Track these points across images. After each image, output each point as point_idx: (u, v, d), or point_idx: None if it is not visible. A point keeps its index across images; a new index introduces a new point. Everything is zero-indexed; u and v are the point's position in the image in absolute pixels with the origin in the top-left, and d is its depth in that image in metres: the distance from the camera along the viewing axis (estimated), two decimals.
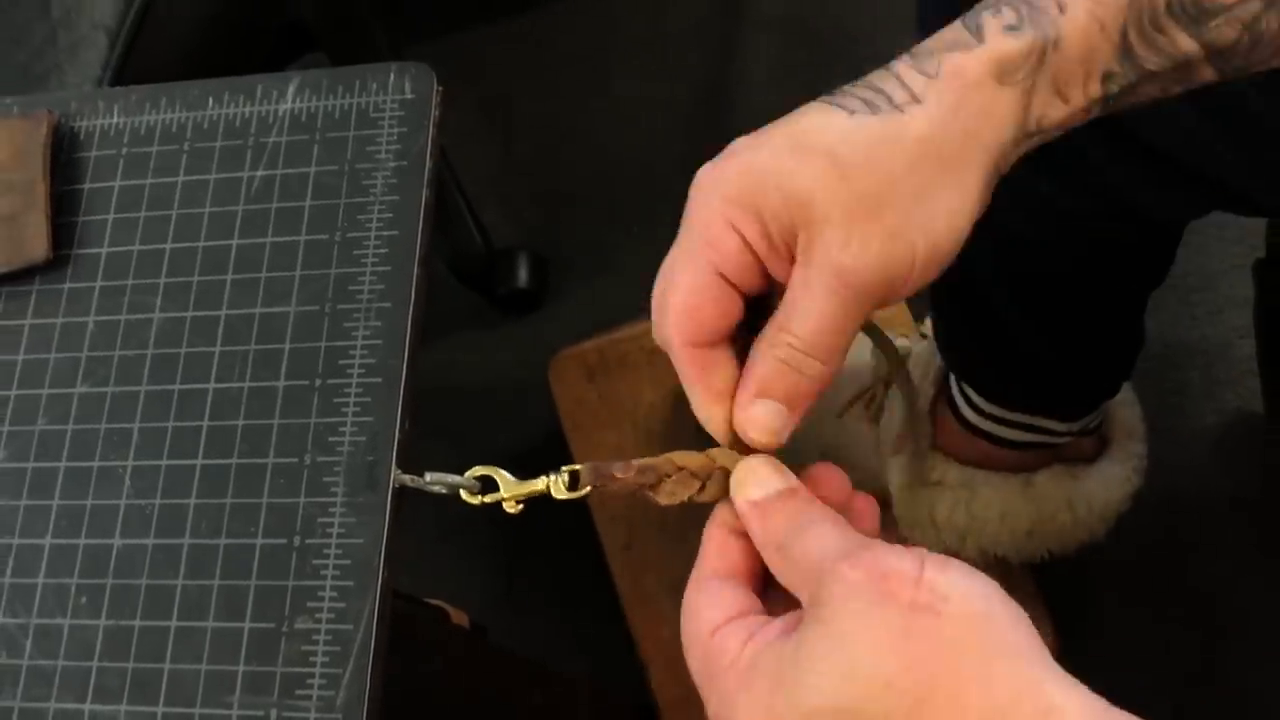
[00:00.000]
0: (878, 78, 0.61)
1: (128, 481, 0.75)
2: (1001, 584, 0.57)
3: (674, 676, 1.37)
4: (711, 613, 0.58)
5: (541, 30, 1.89)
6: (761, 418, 0.61)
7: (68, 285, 0.81)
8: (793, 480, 0.61)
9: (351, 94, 0.81)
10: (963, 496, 1.27)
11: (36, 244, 0.80)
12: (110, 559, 0.73)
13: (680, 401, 1.42)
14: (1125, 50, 0.60)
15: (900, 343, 1.33)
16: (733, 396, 0.63)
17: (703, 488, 0.64)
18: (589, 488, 0.64)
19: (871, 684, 0.50)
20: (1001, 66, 0.59)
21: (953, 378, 1.25)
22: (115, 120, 0.84)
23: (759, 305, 0.63)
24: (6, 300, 0.81)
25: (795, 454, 1.46)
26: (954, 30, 0.61)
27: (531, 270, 1.71)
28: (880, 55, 1.83)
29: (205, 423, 0.75)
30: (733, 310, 0.61)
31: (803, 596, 0.56)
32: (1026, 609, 0.54)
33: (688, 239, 0.62)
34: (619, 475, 0.64)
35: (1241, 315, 1.55)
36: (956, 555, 0.53)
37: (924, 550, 0.53)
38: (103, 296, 0.80)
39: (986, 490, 1.27)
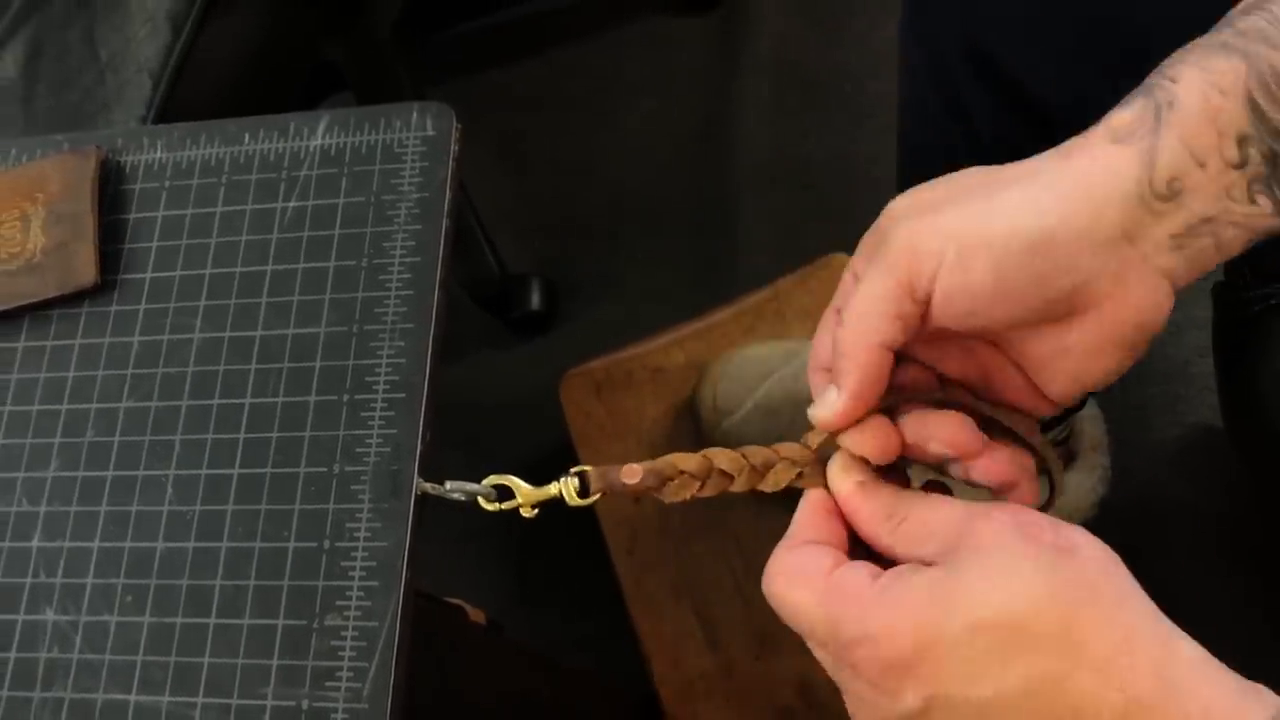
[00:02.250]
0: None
1: (170, 489, 0.75)
2: None
3: (675, 670, 1.37)
4: (820, 560, 0.58)
5: (553, 73, 1.89)
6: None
7: (114, 308, 0.81)
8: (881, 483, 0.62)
9: (377, 131, 0.81)
10: None
11: (86, 270, 0.81)
12: (154, 561, 0.73)
13: (680, 415, 1.43)
14: (1255, 111, 0.56)
15: None
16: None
17: (702, 486, 0.64)
18: (599, 493, 0.65)
19: (1030, 604, 0.51)
20: (1115, 131, 0.57)
21: None
22: (158, 155, 0.84)
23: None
24: (58, 322, 0.81)
25: None
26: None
27: (543, 294, 1.71)
28: (865, 93, 1.83)
29: (242, 435, 0.75)
30: (898, 332, 0.60)
31: (927, 552, 0.56)
32: None
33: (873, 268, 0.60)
34: (627, 482, 0.64)
35: (1201, 336, 1.55)
36: None
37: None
38: (147, 318, 0.80)
39: (963, 498, 1.27)
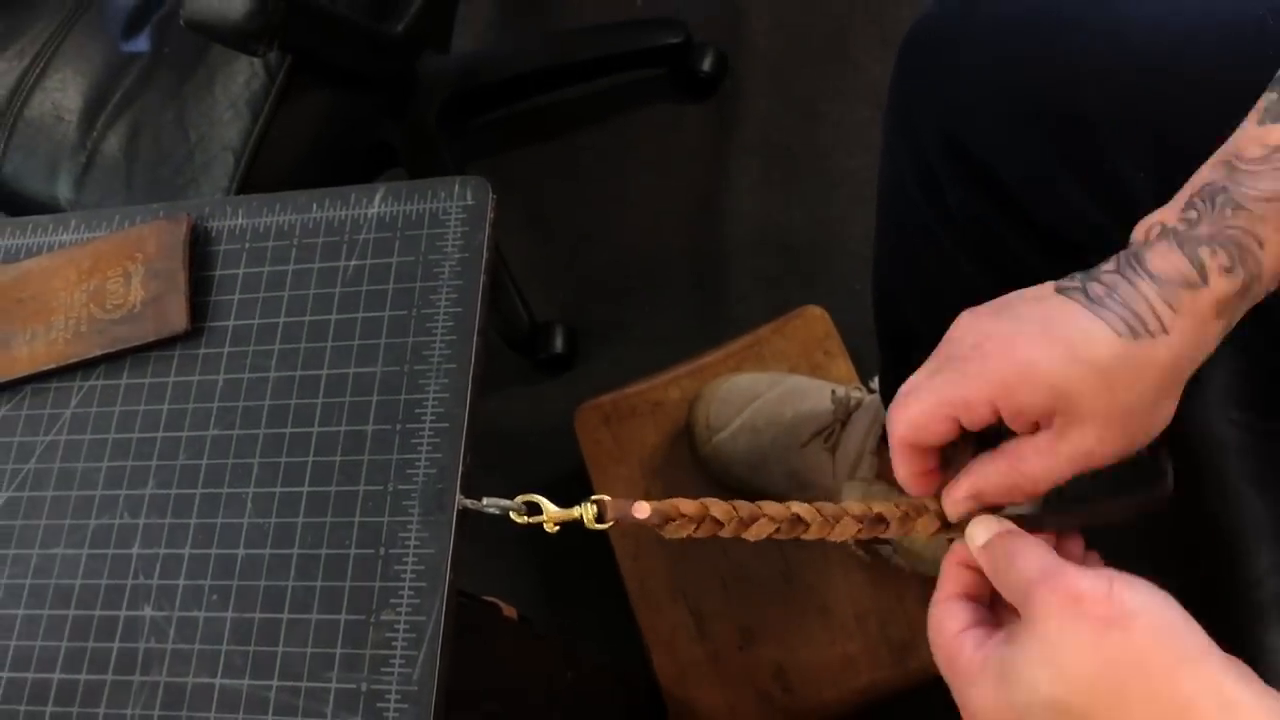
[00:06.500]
0: (1130, 296, 0.58)
1: (249, 504, 0.75)
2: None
3: (671, 659, 1.37)
4: (952, 623, 0.59)
5: (573, 152, 1.89)
6: (966, 511, 0.63)
7: (202, 350, 0.81)
8: (1008, 525, 0.61)
9: (425, 200, 0.81)
10: None
11: (178, 318, 0.81)
12: (236, 565, 0.74)
13: (675, 442, 1.43)
14: None
15: (854, 394, 1.33)
16: (931, 475, 0.64)
17: (697, 528, 0.64)
18: (613, 521, 0.65)
19: (1076, 682, 0.50)
20: (1222, 306, 0.58)
21: None
22: (239, 221, 0.85)
23: None
24: (155, 362, 0.82)
25: (767, 477, 1.44)
26: (1178, 261, 0.59)
27: (565, 339, 1.71)
28: (838, 168, 1.81)
29: (310, 458, 0.75)
30: (950, 438, 0.62)
31: (1016, 602, 0.56)
32: None
33: (948, 384, 0.61)
34: (637, 516, 0.64)
35: None
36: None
37: (1112, 570, 0.53)
38: (230, 359, 0.80)
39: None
